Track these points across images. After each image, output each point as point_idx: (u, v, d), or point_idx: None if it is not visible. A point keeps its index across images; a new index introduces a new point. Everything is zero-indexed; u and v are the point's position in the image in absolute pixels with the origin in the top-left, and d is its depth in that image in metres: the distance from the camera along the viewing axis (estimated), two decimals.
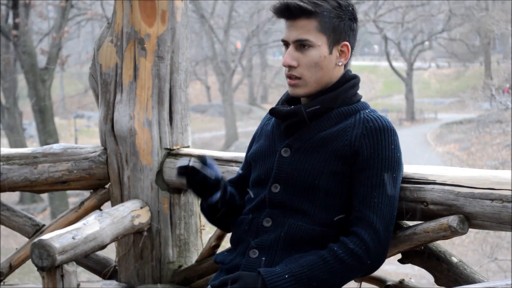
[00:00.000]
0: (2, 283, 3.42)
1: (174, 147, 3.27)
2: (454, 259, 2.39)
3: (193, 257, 3.31)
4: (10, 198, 18.82)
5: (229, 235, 2.46)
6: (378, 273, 2.43)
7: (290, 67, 2.25)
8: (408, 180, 2.32)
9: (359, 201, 2.19)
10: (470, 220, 2.22)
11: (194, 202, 3.33)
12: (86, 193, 3.44)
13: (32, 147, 3.99)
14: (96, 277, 3.50)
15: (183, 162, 2.28)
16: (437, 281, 2.42)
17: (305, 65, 2.24)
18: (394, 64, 36.82)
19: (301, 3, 2.21)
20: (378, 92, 42.74)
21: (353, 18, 2.28)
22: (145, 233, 3.24)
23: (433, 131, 31.91)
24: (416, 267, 2.50)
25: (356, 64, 39.97)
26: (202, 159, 2.30)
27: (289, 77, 2.27)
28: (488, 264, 14.82)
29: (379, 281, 2.61)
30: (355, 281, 2.52)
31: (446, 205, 2.25)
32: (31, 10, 19.96)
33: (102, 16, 23.07)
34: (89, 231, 2.83)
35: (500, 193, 2.15)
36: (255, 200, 2.31)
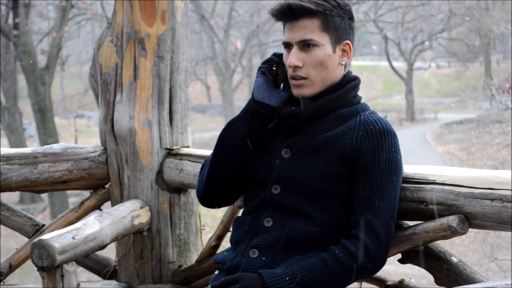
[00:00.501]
0: (2, 283, 3.42)
1: (174, 147, 3.27)
2: (454, 259, 2.39)
3: (193, 257, 3.31)
4: (10, 198, 18.81)
5: (229, 235, 2.46)
6: (378, 273, 2.42)
7: (295, 67, 2.24)
8: (408, 180, 2.32)
9: (360, 204, 2.19)
10: (470, 220, 2.22)
11: (194, 202, 3.33)
12: (86, 193, 3.44)
13: (32, 147, 3.98)
14: (96, 277, 3.50)
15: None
16: (437, 281, 2.42)
17: (311, 64, 2.24)
18: (394, 64, 36.82)
19: (304, 3, 2.21)
20: (378, 92, 42.73)
21: (352, 17, 2.30)
22: (145, 233, 3.24)
23: (433, 131, 31.91)
24: (416, 267, 2.50)
25: (356, 64, 39.95)
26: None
27: (294, 78, 2.26)
28: (488, 264, 14.82)
29: (379, 281, 2.61)
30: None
31: (446, 205, 2.25)
32: (31, 10, 19.97)
33: (102, 16, 23.09)
34: (89, 231, 2.83)
35: (500, 193, 2.15)
36: (255, 200, 2.31)
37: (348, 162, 2.21)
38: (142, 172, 3.25)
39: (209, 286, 2.24)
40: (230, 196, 2.44)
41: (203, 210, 2.98)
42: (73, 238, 2.73)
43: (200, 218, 3.37)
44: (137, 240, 3.28)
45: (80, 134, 32.11)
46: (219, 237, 3.16)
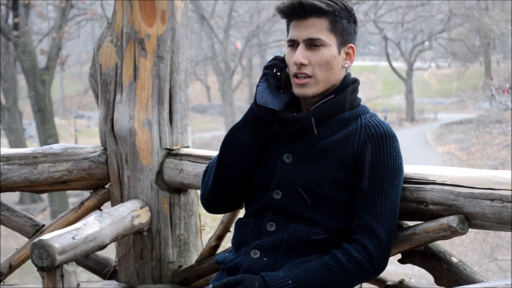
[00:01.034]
0: (2, 283, 3.42)
1: (174, 147, 3.27)
2: (454, 259, 2.39)
3: (193, 257, 3.31)
4: (10, 198, 18.82)
5: (229, 235, 2.45)
6: None
7: (301, 65, 2.23)
8: (408, 180, 2.32)
9: (362, 209, 2.19)
10: (470, 220, 2.22)
11: (194, 202, 3.33)
12: (86, 193, 3.44)
13: (32, 147, 3.98)
14: (96, 277, 3.51)
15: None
16: (437, 281, 2.42)
17: (317, 63, 2.23)
18: (394, 64, 36.83)
19: (315, 2, 2.20)
20: (378, 92, 42.74)
21: (356, 21, 2.30)
22: (145, 233, 3.24)
23: (433, 131, 31.91)
24: (416, 267, 2.50)
25: (356, 64, 39.95)
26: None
27: (297, 76, 2.25)
28: (488, 264, 14.82)
29: (379, 281, 2.61)
30: None
31: (446, 205, 2.25)
32: (31, 10, 19.97)
33: (102, 16, 23.10)
34: (89, 231, 2.83)
35: (500, 193, 2.15)
36: (257, 204, 2.31)
37: (350, 167, 2.21)
38: (142, 172, 3.25)
39: (210, 286, 2.24)
40: (236, 202, 2.43)
41: (203, 210, 2.97)
42: (73, 238, 2.73)
43: (200, 218, 3.37)
44: (137, 240, 3.28)
45: (80, 134, 32.11)
46: (219, 237, 3.16)
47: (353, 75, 2.35)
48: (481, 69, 36.89)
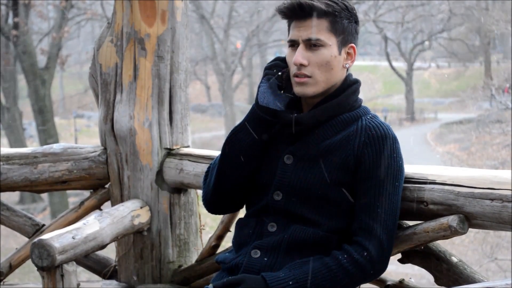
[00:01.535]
0: (2, 283, 3.42)
1: (174, 147, 3.27)
2: (454, 259, 2.39)
3: (193, 257, 3.31)
4: (10, 198, 18.80)
5: (229, 235, 2.45)
6: None
7: (301, 65, 2.24)
8: (408, 180, 2.32)
9: (362, 210, 2.19)
10: (470, 220, 2.23)
11: (194, 202, 3.33)
12: (86, 193, 3.44)
13: (32, 147, 3.98)
14: (96, 277, 3.51)
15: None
16: (437, 281, 2.42)
17: (316, 64, 2.23)
18: (394, 64, 36.80)
19: (315, 2, 2.20)
20: (378, 92, 42.72)
21: (358, 21, 2.30)
22: (145, 233, 3.24)
23: (433, 131, 31.90)
24: (416, 267, 2.50)
25: (356, 64, 39.73)
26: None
27: (297, 75, 2.25)
28: (488, 264, 14.82)
29: (379, 281, 2.61)
30: None
31: (446, 205, 2.25)
32: (31, 10, 19.96)
33: (102, 16, 23.08)
34: (89, 231, 2.83)
35: (500, 193, 2.15)
36: (257, 204, 2.31)
37: (350, 168, 2.21)
38: (142, 172, 3.25)
39: (211, 285, 2.24)
40: (238, 203, 2.43)
41: (203, 210, 2.97)
42: (73, 238, 2.73)
43: (200, 218, 3.37)
44: (137, 240, 3.28)
45: (80, 134, 32.10)
46: (219, 237, 3.16)
47: (353, 75, 2.35)
48: (481, 69, 36.87)
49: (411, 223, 2.37)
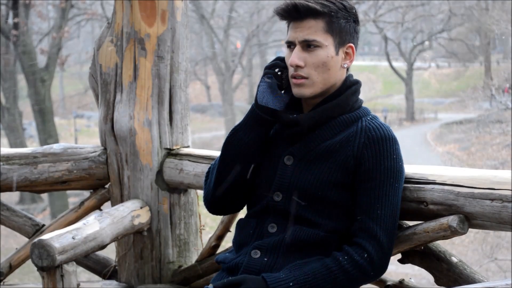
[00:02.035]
0: (2, 283, 3.42)
1: (174, 147, 3.27)
2: (454, 259, 2.39)
3: (193, 257, 3.31)
4: (10, 198, 18.81)
5: (229, 235, 2.45)
6: None
7: (297, 67, 2.24)
8: (408, 180, 2.32)
9: (362, 212, 2.19)
10: (470, 220, 2.22)
11: (194, 202, 3.33)
12: (86, 193, 3.44)
13: (32, 147, 3.98)
14: (96, 277, 3.51)
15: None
16: (437, 281, 2.42)
17: (312, 65, 2.23)
18: (394, 64, 36.80)
19: (310, 3, 2.20)
20: (378, 92, 42.73)
21: (357, 20, 2.29)
22: (145, 233, 3.24)
23: (433, 131, 31.89)
24: (416, 267, 2.50)
25: (356, 64, 39.90)
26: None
27: (295, 77, 2.25)
28: (488, 264, 14.82)
29: (379, 281, 2.61)
30: None
31: (446, 205, 2.25)
32: (31, 10, 19.96)
33: (102, 16, 23.08)
34: (89, 231, 2.83)
35: (500, 193, 2.15)
36: (258, 205, 2.31)
37: (350, 169, 2.21)
38: (142, 172, 3.25)
39: (211, 285, 2.24)
40: (239, 203, 2.43)
41: (203, 210, 2.98)
42: (73, 238, 2.73)
43: (200, 218, 3.37)
44: (137, 240, 3.28)
45: (80, 134, 32.10)
46: (219, 237, 3.16)
47: (353, 75, 2.35)
48: (481, 69, 36.86)
49: (411, 223, 2.37)
